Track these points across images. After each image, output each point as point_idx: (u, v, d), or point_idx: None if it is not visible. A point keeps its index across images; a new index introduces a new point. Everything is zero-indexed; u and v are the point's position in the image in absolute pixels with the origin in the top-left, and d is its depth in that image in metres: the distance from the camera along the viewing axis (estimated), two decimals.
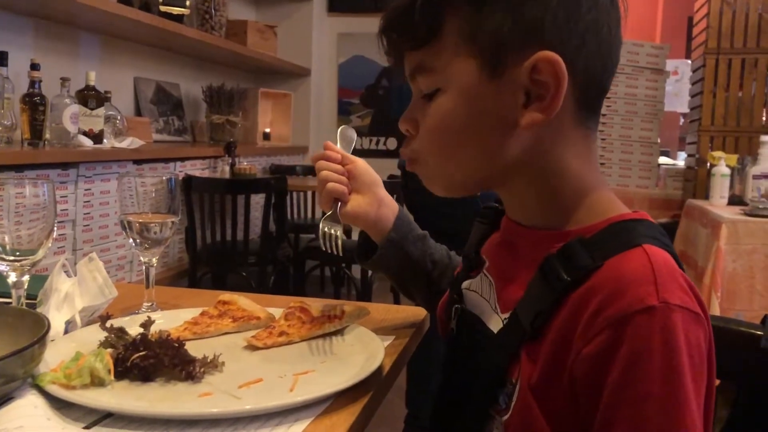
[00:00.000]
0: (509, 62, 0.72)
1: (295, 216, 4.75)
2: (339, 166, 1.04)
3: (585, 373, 0.66)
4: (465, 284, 0.92)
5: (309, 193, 4.65)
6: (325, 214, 1.03)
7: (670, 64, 4.90)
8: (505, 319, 0.78)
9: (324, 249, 1.02)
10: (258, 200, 3.88)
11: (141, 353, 0.83)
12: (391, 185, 3.23)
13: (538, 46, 0.70)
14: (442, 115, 0.76)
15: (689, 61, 4.24)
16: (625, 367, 0.63)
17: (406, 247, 1.06)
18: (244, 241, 3.51)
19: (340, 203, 1.03)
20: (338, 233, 1.02)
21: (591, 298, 0.67)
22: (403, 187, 2.93)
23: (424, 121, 0.79)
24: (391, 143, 5.38)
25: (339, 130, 1.11)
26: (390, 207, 1.07)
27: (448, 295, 0.95)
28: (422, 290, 1.11)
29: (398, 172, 3.22)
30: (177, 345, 0.85)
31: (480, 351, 0.80)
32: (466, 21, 0.73)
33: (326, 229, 1.02)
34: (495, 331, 0.79)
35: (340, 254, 1.01)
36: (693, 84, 4.15)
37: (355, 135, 1.12)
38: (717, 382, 0.74)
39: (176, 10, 3.46)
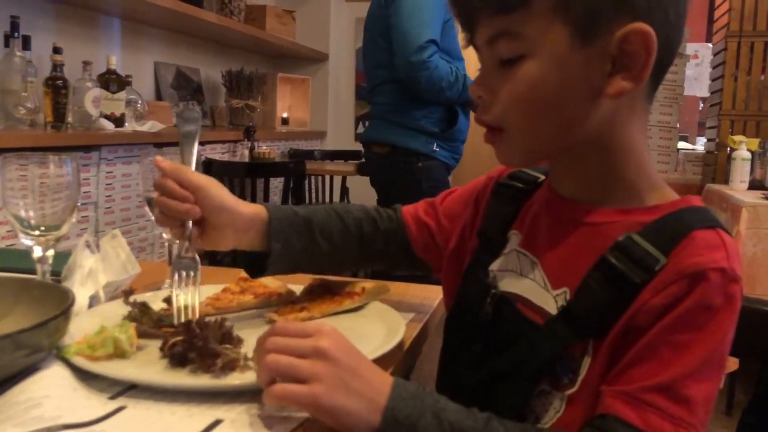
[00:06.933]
0: (601, 31, 0.72)
1: (313, 199, 4.76)
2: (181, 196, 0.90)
3: (648, 322, 0.69)
4: (495, 266, 0.89)
5: (327, 178, 4.66)
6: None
7: (690, 48, 4.85)
8: (557, 295, 0.78)
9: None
10: (277, 184, 3.90)
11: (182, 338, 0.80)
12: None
13: (628, 16, 0.71)
14: (530, 83, 0.75)
15: (710, 45, 4.19)
16: (684, 315, 0.67)
17: (294, 251, 0.99)
18: None
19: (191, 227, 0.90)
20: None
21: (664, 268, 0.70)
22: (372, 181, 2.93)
23: (505, 88, 0.77)
24: None
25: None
26: (249, 210, 0.95)
27: (463, 282, 0.93)
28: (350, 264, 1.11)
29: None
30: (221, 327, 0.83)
31: (532, 334, 0.78)
32: None
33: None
34: (546, 309, 0.78)
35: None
36: (714, 68, 4.08)
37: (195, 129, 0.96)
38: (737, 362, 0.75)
39: None
